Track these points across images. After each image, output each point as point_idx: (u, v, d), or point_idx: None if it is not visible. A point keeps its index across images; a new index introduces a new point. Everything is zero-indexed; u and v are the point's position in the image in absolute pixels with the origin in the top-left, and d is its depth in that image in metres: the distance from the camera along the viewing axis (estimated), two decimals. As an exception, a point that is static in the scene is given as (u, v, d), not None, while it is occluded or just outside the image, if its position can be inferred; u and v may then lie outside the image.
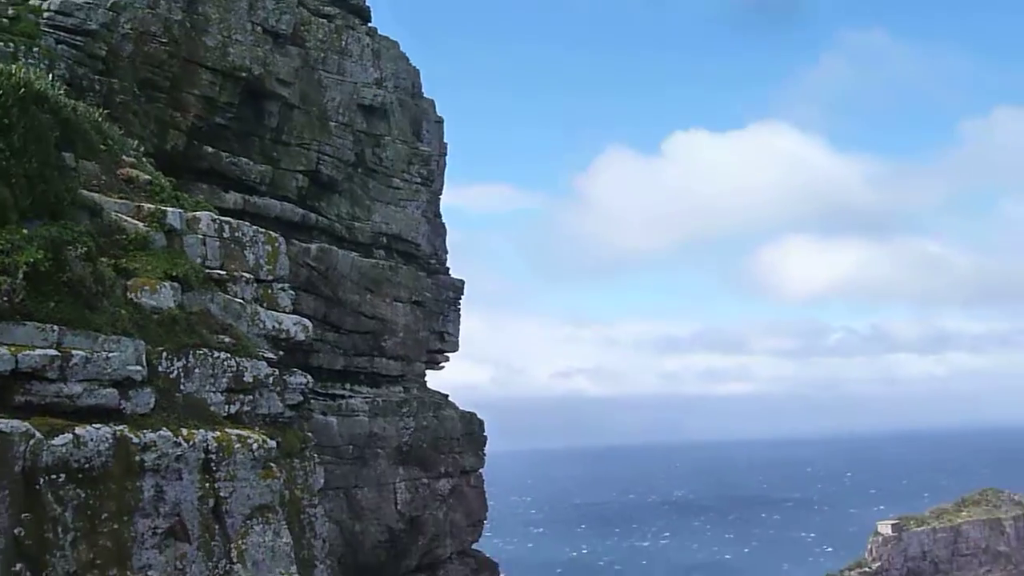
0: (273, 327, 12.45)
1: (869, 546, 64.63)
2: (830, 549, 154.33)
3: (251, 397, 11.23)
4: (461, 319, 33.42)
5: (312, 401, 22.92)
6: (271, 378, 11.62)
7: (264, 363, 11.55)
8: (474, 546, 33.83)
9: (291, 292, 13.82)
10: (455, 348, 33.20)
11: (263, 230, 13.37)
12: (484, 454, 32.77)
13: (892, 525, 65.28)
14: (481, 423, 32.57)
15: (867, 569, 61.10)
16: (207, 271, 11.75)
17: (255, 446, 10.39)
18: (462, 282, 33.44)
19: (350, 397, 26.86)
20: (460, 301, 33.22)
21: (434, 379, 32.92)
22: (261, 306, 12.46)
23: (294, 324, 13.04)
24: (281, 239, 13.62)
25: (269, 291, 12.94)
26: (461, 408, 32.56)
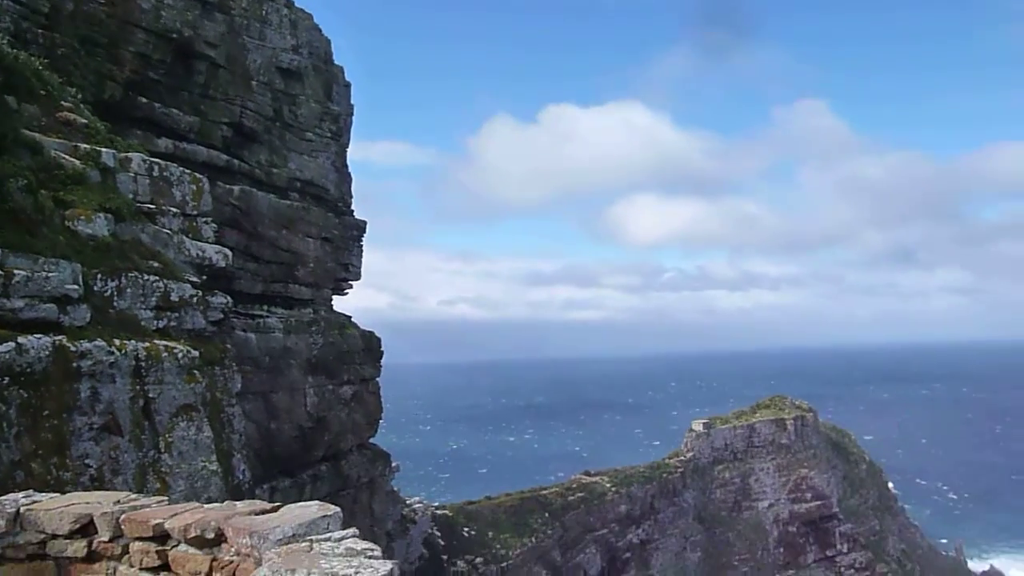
0: (197, 255, 11.99)
1: (685, 440, 66.94)
2: (657, 443, 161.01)
3: (177, 314, 10.85)
4: (363, 253, 32.96)
5: (234, 320, 22.33)
6: (195, 298, 11.23)
7: (189, 285, 11.15)
8: (371, 440, 33.89)
9: (214, 225, 13.31)
10: (358, 277, 32.82)
11: (188, 171, 12.77)
12: (381, 366, 32.66)
13: (703, 424, 67.60)
14: (379, 340, 32.43)
15: (683, 457, 63.50)
16: (138, 205, 11.20)
17: (180, 355, 10.10)
18: (364, 223, 32.89)
19: (267, 317, 26.23)
20: (363, 239, 32.72)
21: (340, 303, 32.48)
22: (187, 236, 11.96)
23: (216, 252, 12.59)
24: (205, 179, 13.05)
25: (194, 224, 12.41)
26: (362, 328, 32.30)
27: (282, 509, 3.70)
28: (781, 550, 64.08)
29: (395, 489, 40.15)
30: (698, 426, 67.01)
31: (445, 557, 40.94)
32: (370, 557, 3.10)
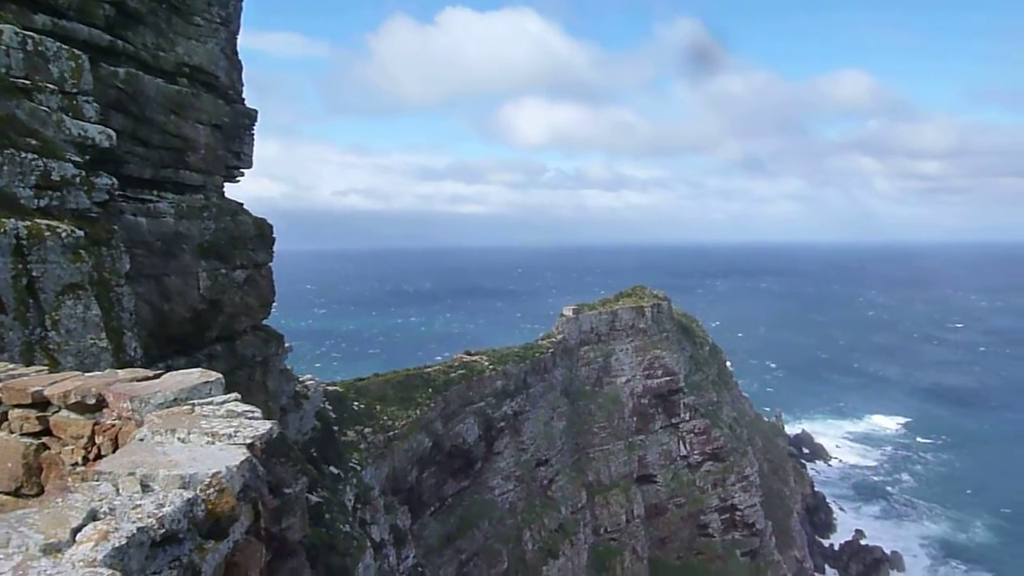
0: (79, 134, 10.96)
1: (556, 324, 69.01)
2: (533, 325, 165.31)
3: (59, 193, 9.98)
4: (255, 142, 31.15)
5: (124, 204, 20.86)
6: (78, 178, 10.34)
7: (71, 165, 10.22)
8: (265, 322, 33.08)
9: (96, 105, 12.13)
10: (249, 166, 31.09)
11: (66, 47, 11.51)
12: (273, 252, 31.49)
13: (572, 309, 69.77)
14: (271, 227, 31.17)
15: (553, 339, 65.62)
16: (12, 80, 10.04)
17: (64, 234, 9.35)
18: (255, 111, 30.94)
19: (157, 202, 24.64)
20: (254, 127, 30.81)
21: (232, 191, 30.80)
22: (67, 115, 10.88)
23: (99, 133, 11.54)
24: (85, 56, 11.80)
25: (74, 103, 11.28)
26: (255, 215, 30.91)
27: (164, 376, 3.56)
28: (634, 419, 68.16)
29: (289, 367, 39.75)
30: (568, 311, 69.03)
31: (336, 428, 41.26)
32: (251, 418, 3.05)
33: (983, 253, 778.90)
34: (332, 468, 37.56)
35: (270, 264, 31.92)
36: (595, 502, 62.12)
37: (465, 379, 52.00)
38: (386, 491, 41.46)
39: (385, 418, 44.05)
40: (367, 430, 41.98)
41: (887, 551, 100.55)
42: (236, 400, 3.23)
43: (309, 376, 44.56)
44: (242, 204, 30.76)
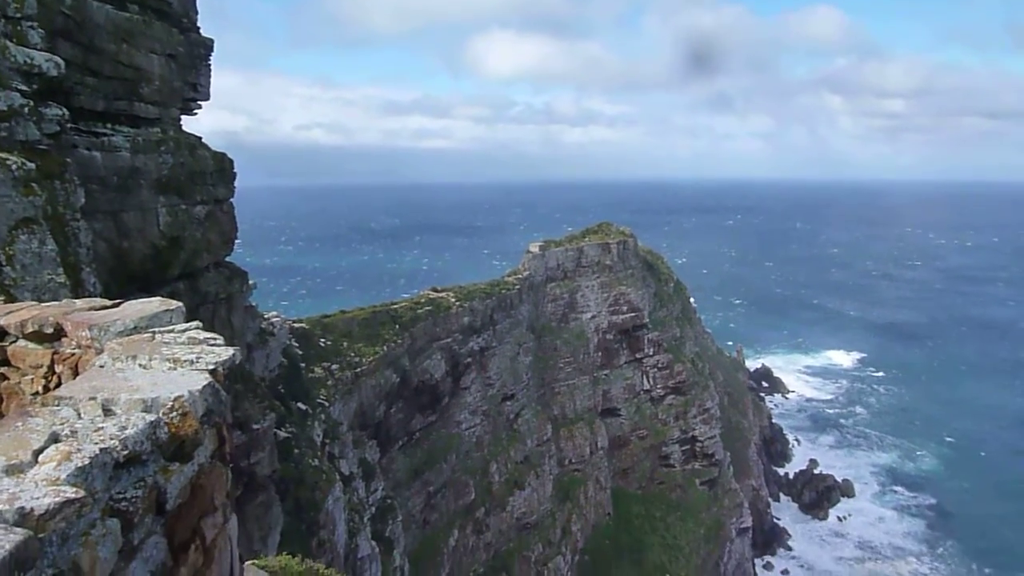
0: (25, 62, 10.50)
1: (522, 260, 69.12)
2: (500, 262, 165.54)
3: (7, 124, 9.62)
4: (213, 74, 30.11)
5: (76, 138, 20.17)
6: (26, 108, 9.97)
7: (18, 94, 9.84)
8: (228, 259, 32.58)
9: (41, 31, 11.62)
10: (207, 98, 30.09)
11: (7, -31, 10.92)
12: (234, 187, 30.75)
13: (539, 246, 69.80)
14: (231, 161, 30.37)
15: (520, 276, 65.78)
16: (-51, 4, 9.57)
17: (14, 167, 9.06)
18: (212, 41, 29.81)
19: (111, 135, 23.85)
20: (210, 58, 29.73)
21: (191, 124, 29.88)
22: (11, 42, 10.41)
23: (46, 60, 11.08)
24: (27, -20, 11.23)
25: (18, 28, 10.79)
26: (214, 149, 30.07)
27: (123, 304, 3.54)
28: (599, 354, 69.26)
29: (254, 305, 39.44)
30: (534, 248, 69.11)
31: (303, 365, 41.32)
32: (213, 345, 3.07)
33: (944, 192, 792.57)
34: (300, 404, 37.73)
35: (231, 200, 31.26)
36: (560, 435, 63.54)
37: (432, 316, 52.17)
38: (354, 426, 41.91)
39: (352, 355, 44.18)
40: (334, 366, 42.12)
41: (839, 479, 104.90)
42: (198, 328, 3.24)
43: (275, 313, 44.29)
44: (200, 138, 29.92)
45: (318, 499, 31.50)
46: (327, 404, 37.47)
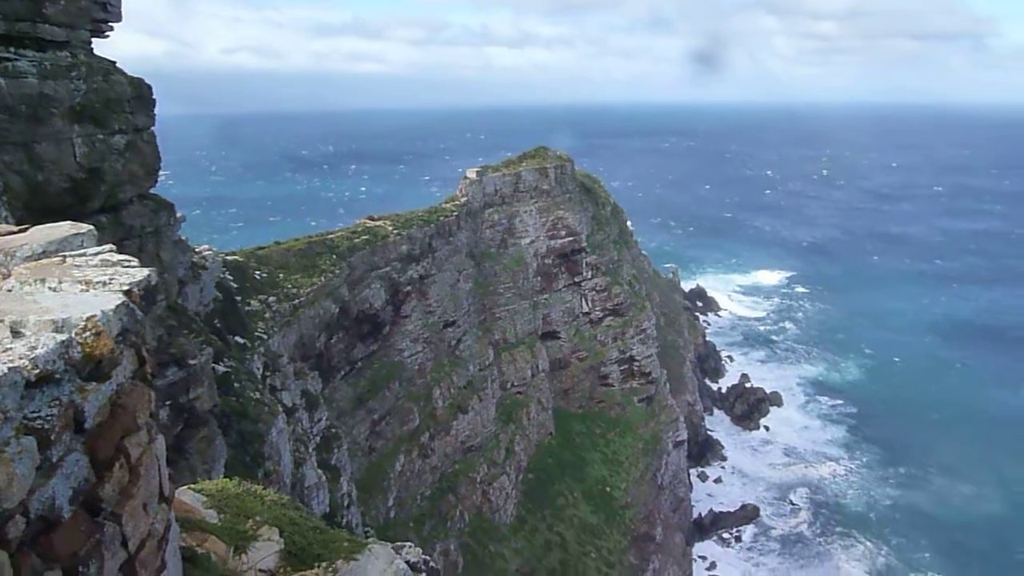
0: (-91, -22, 9.66)
1: (460, 186, 68.48)
2: (438, 189, 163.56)
3: None
4: (125, -7, 28.17)
5: (-23, 62, 18.82)
6: (-84, 29, 9.23)
7: (-95, 13, 9.08)
8: (153, 191, 31.33)
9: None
10: (118, 19, 28.19)
11: None
12: (154, 114, 29.24)
13: (476, 172, 69.15)
14: (149, 87, 28.78)
15: (458, 202, 65.33)
16: None
17: (-93, 92, 8.44)
18: (121, -44, 27.87)
19: (15, 60, 22.31)
20: (120, -26, 27.82)
21: (105, 48, 28.13)
22: None
23: (-66, -23, 10.21)
24: None
25: (-101, -60, 9.87)
26: (131, 74, 28.43)
27: (31, 229, 3.41)
28: (538, 279, 69.94)
29: (184, 238, 38.24)
30: (472, 174, 68.48)
31: (239, 298, 40.60)
32: (127, 267, 3.00)
33: (873, 115, 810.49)
34: (238, 338, 37.21)
35: (152, 128, 29.88)
36: (502, 359, 64.54)
37: (370, 245, 51.62)
38: (295, 358, 41.70)
39: (289, 286, 43.58)
40: (271, 299, 41.52)
41: (768, 392, 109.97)
42: (111, 251, 3.15)
43: (206, 246, 43.12)
44: (115, 62, 28.30)
45: (261, 431, 31.49)
46: (266, 337, 37.06)
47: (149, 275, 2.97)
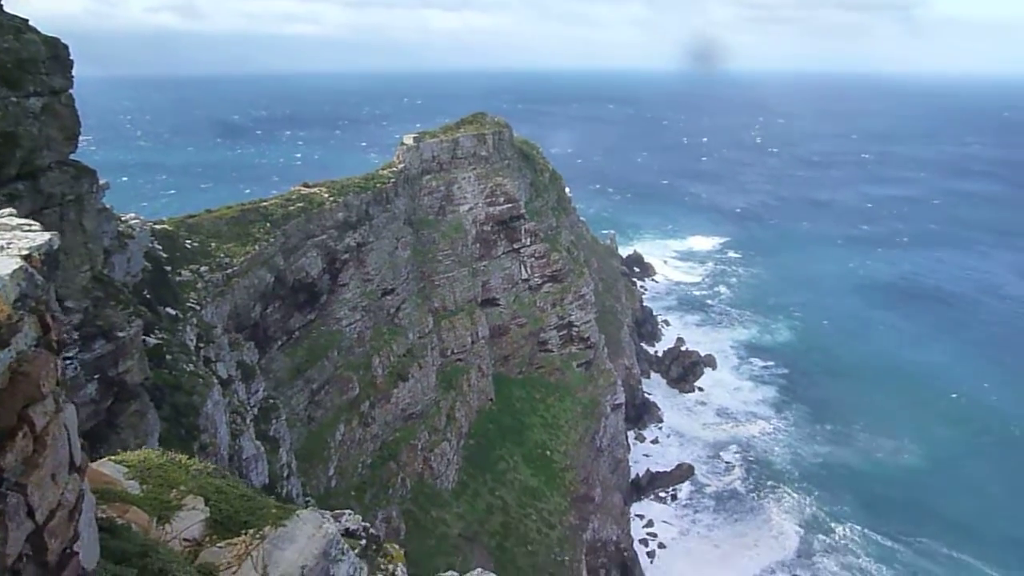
0: None
1: (397, 152, 67.54)
2: (375, 155, 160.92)
3: None
4: (33, -55, 26.58)
5: None
6: None
7: None
8: (73, 156, 29.96)
9: None
10: (29, -27, 26.71)
11: None
12: (72, 76, 27.86)
13: (413, 137, 68.27)
14: (66, 47, 27.32)
15: (395, 169, 64.41)
16: None
17: None
18: (29, -94, 26.24)
19: (-84, 14, 20.99)
20: (29, -74, 26.22)
21: (17, 6, 26.54)
22: None
23: None
24: None
25: None
26: (46, 34, 26.93)
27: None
28: (477, 246, 69.83)
29: (108, 206, 36.79)
30: (409, 140, 67.59)
31: (169, 268, 39.42)
32: (27, 231, 2.89)
33: (805, 83, 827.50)
34: (169, 309, 36.22)
35: (71, 91, 28.50)
36: (441, 326, 64.51)
37: (305, 212, 50.61)
38: (229, 328, 40.84)
39: (222, 255, 42.50)
40: (203, 268, 40.45)
41: (703, 355, 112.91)
42: (11, 215, 3.02)
43: (133, 215, 41.64)
44: (27, 20, 26.79)
45: (196, 404, 30.86)
46: (198, 308, 36.15)
47: (51, 239, 2.86)
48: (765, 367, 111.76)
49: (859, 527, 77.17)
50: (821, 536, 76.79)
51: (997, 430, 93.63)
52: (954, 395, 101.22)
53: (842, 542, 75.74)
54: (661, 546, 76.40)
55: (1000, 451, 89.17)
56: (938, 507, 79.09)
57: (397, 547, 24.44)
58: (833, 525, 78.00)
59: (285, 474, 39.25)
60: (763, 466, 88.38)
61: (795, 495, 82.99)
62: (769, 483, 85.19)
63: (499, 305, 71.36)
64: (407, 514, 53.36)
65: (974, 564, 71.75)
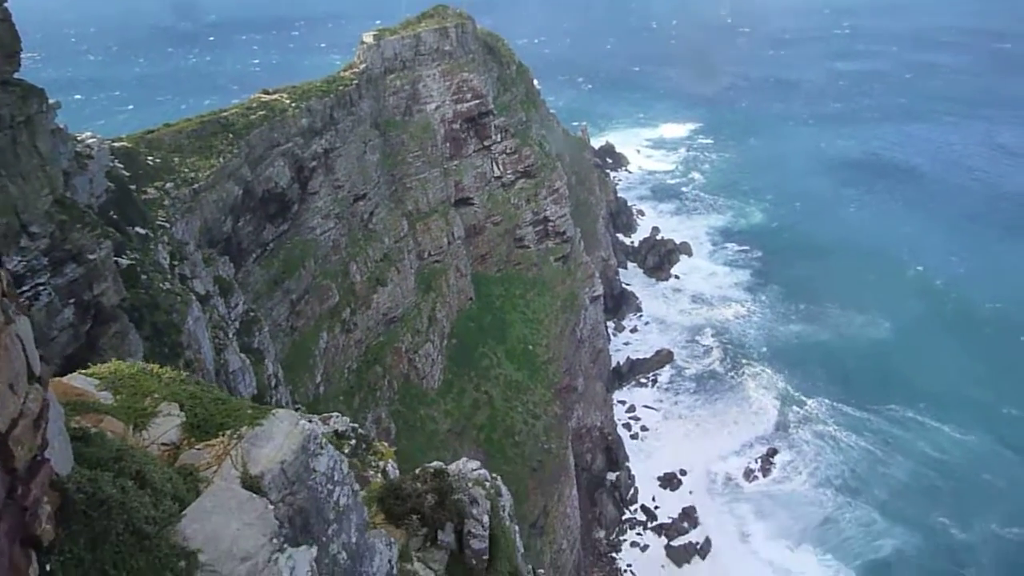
0: None
1: (357, 52, 65.08)
2: (338, 57, 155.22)
3: None
4: None
5: None
6: None
7: None
8: (17, 75, 28.63)
9: None
10: None
11: None
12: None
13: (373, 35, 65.58)
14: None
15: (356, 69, 62.30)
16: None
17: None
18: None
19: None
20: None
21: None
22: None
23: None
24: None
25: None
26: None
27: None
28: (447, 145, 68.63)
29: (62, 126, 35.50)
30: (368, 38, 65.06)
31: (134, 187, 38.53)
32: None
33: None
34: (138, 229, 35.67)
35: (5, 5, 26.97)
36: (416, 229, 64.21)
37: (267, 120, 49.22)
38: (202, 245, 40.43)
39: (186, 170, 41.55)
40: (168, 185, 39.63)
41: (678, 242, 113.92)
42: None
43: (89, 133, 40.32)
44: (-55, -73, 24.98)
45: (176, 321, 30.91)
46: (168, 225, 35.64)
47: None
48: (740, 251, 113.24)
49: (831, 400, 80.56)
50: (795, 408, 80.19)
51: (962, 301, 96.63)
52: (920, 268, 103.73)
53: (815, 413, 79.22)
54: (644, 429, 79.49)
55: (965, 320, 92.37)
56: (906, 376, 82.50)
57: (387, 445, 25.12)
58: (807, 399, 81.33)
59: (273, 384, 39.88)
60: (739, 347, 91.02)
61: (771, 372, 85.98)
62: (745, 363, 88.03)
63: (473, 204, 70.92)
64: (396, 414, 54.75)
65: (940, 428, 75.59)
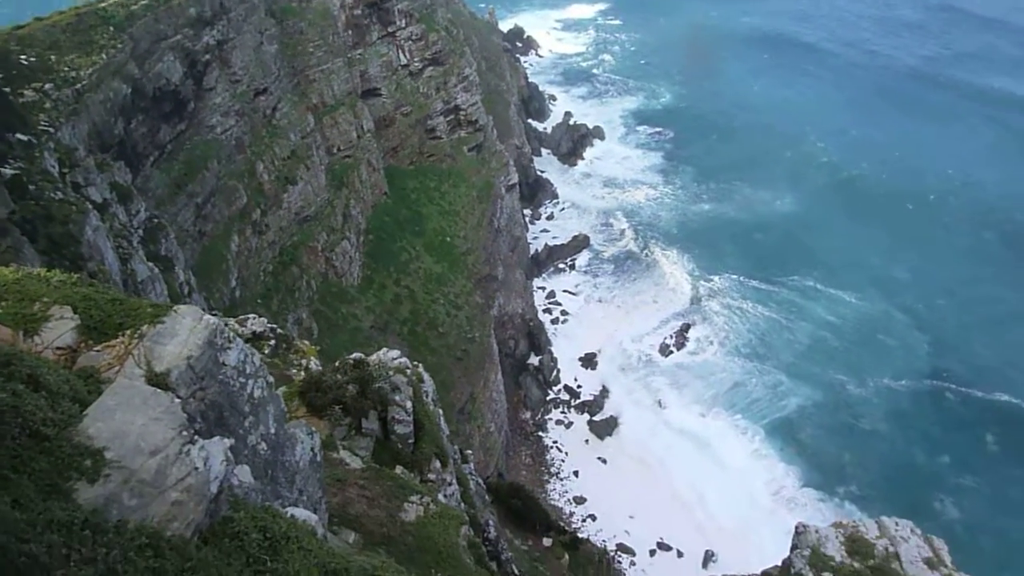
0: None
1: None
2: None
3: None
4: None
5: None
6: None
7: None
8: None
9: None
10: None
11: None
12: None
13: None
14: None
15: None
16: None
17: None
18: None
19: None
20: None
21: None
22: None
23: None
24: None
25: None
26: None
27: None
28: (349, 33, 65.28)
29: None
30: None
31: (8, 90, 35.39)
32: None
33: None
34: (19, 135, 33.09)
35: None
36: (323, 123, 61.75)
37: (151, 11, 45.45)
38: (93, 149, 37.91)
39: (66, 69, 38.34)
40: (48, 86, 36.58)
41: (591, 127, 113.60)
42: None
43: (-53, 30, 36.62)
44: None
45: (73, 232, 29.34)
46: (52, 130, 33.18)
47: None
48: (652, 134, 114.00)
49: (739, 275, 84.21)
50: (704, 283, 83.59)
51: (857, 174, 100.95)
52: (821, 144, 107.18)
53: (725, 287, 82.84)
54: (565, 313, 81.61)
55: (860, 193, 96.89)
56: (807, 248, 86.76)
57: (308, 343, 25.00)
58: (716, 274, 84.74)
59: (186, 291, 38.76)
60: (654, 228, 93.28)
61: (683, 251, 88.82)
62: (660, 244, 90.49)
63: (381, 95, 68.46)
64: (317, 314, 54.38)
65: (838, 294, 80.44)
